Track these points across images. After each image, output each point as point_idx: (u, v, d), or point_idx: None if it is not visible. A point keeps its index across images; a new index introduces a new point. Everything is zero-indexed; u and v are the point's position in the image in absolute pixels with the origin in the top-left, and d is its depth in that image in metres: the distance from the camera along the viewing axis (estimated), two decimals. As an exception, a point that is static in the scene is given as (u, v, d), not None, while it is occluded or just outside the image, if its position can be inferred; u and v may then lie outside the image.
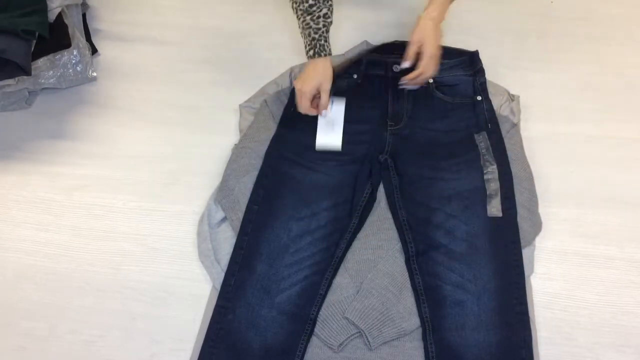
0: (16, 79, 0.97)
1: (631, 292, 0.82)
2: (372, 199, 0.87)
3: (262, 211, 0.84)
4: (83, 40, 1.06)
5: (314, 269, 0.80)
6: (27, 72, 0.93)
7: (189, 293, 0.83)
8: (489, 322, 0.76)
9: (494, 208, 0.82)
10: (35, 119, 1.03)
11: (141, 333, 0.80)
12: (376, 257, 0.83)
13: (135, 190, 0.94)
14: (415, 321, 0.78)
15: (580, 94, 1.03)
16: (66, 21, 1.01)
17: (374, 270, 0.81)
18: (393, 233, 0.85)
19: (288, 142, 0.90)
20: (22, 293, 0.84)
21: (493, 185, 0.84)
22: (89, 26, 1.15)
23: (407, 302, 0.79)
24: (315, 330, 0.77)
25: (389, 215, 0.86)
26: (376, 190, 0.88)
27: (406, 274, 0.81)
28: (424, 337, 0.77)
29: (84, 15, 1.12)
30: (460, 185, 0.85)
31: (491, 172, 0.85)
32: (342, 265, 0.82)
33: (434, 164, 0.88)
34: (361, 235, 0.85)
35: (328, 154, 0.89)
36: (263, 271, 0.80)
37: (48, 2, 0.99)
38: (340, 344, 0.76)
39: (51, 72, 1.01)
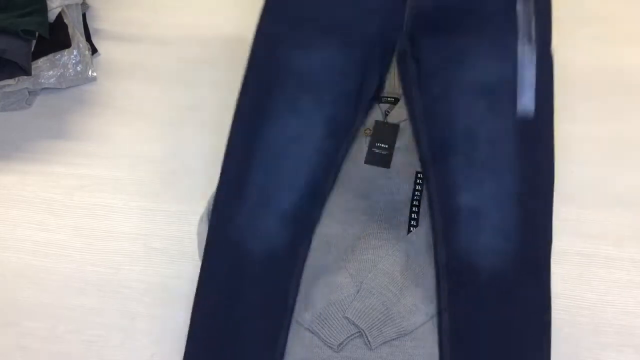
0: (16, 79, 0.97)
1: (631, 292, 0.82)
2: (380, 89, 0.76)
3: (255, 107, 0.76)
4: (83, 40, 1.06)
5: (314, 174, 0.75)
6: (27, 72, 0.94)
7: (189, 293, 0.83)
8: (505, 232, 0.70)
9: (526, 105, 0.72)
10: (35, 119, 1.03)
11: (141, 333, 0.80)
12: (376, 257, 0.83)
13: (135, 190, 0.94)
14: (415, 320, 0.78)
15: (580, 94, 1.03)
16: (66, 21, 1.01)
17: (374, 270, 0.81)
18: (393, 233, 0.85)
19: (285, 14, 0.77)
20: (22, 293, 0.84)
21: (528, 75, 0.72)
22: (89, 26, 1.15)
23: (407, 302, 0.79)
24: (315, 329, 0.77)
25: (390, 215, 0.86)
26: (384, 78, 0.76)
27: (406, 274, 0.81)
28: (435, 247, 0.73)
29: (84, 15, 1.12)
30: (487, 74, 0.73)
31: (528, 54, 0.72)
32: (342, 265, 0.82)
33: (459, 45, 0.74)
34: (362, 235, 0.85)
35: (333, 31, 0.76)
36: (259, 177, 0.74)
37: (48, 2, 0.99)
38: (340, 344, 0.76)
39: (51, 72, 1.01)
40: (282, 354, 0.72)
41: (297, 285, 0.74)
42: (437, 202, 0.73)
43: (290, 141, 0.75)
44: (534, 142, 0.72)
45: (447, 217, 0.73)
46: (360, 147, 0.93)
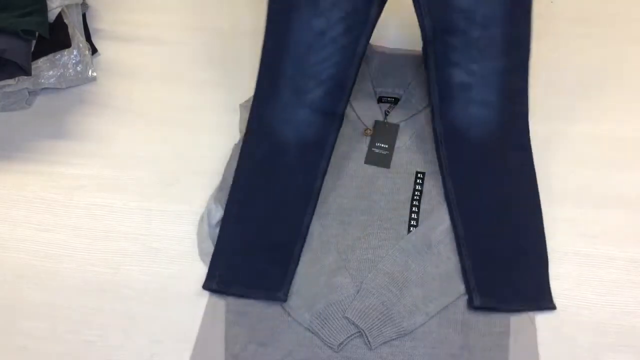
0: (16, 79, 0.97)
1: (631, 292, 0.82)
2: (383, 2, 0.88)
3: (283, 11, 0.88)
4: (83, 40, 1.06)
5: (337, 67, 0.87)
6: (27, 72, 0.93)
7: (189, 293, 0.83)
8: (491, 102, 0.87)
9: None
10: (35, 119, 1.03)
11: (141, 333, 0.80)
12: (376, 257, 0.83)
13: (135, 190, 0.94)
14: (415, 320, 0.78)
15: (580, 94, 1.03)
16: (66, 21, 1.01)
17: (374, 270, 0.81)
18: (393, 233, 0.85)
19: None
20: (22, 293, 0.84)
21: None
22: (89, 26, 1.15)
23: (407, 302, 0.79)
24: (315, 329, 0.77)
25: (390, 215, 0.86)
26: None
27: (406, 274, 0.81)
28: (433, 121, 0.89)
29: (84, 15, 1.12)
30: None
31: None
32: (342, 265, 0.82)
33: None
34: (362, 234, 0.85)
35: None
36: (291, 72, 0.88)
37: (48, 2, 0.99)
38: (340, 344, 0.76)
39: (51, 72, 1.01)
40: (307, 229, 0.84)
41: (325, 170, 0.87)
42: (434, 77, 0.88)
43: (314, 38, 0.87)
44: (518, 26, 0.87)
45: (442, 92, 0.88)
46: (360, 147, 0.93)
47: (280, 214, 0.85)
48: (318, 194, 0.86)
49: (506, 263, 0.82)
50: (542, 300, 0.80)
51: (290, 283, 0.81)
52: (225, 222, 0.85)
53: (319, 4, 0.85)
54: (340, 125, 0.89)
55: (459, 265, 0.82)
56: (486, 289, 0.79)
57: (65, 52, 1.01)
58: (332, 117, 0.89)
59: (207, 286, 0.82)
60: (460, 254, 0.82)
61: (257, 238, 0.84)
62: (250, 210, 0.85)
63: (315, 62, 0.87)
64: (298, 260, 0.83)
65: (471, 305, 0.79)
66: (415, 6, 0.86)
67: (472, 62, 0.86)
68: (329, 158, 0.88)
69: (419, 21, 0.86)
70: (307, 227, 0.84)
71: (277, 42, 0.88)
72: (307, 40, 0.87)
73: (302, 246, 0.83)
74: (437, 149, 0.90)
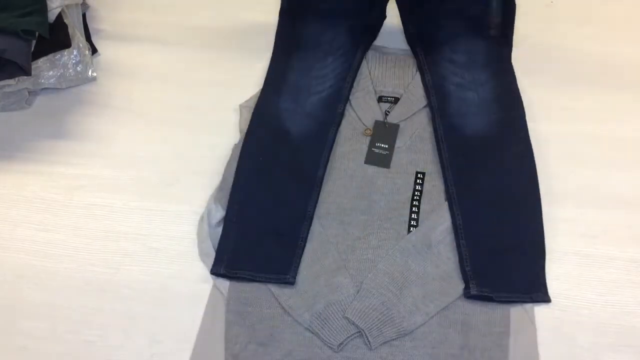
0: (16, 79, 0.97)
1: (631, 292, 0.82)
2: (382, 17, 1.06)
3: (292, 37, 1.04)
4: (83, 40, 1.06)
5: (337, 77, 0.99)
6: (27, 72, 0.93)
7: (189, 293, 0.83)
8: (486, 107, 0.95)
9: (494, 31, 1.02)
10: (35, 119, 1.03)
11: (141, 333, 0.80)
12: (376, 256, 0.83)
13: (135, 190, 0.94)
14: (415, 320, 0.78)
15: (580, 94, 1.03)
16: (66, 21, 1.01)
17: (374, 270, 0.81)
18: (393, 233, 0.85)
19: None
20: (22, 293, 0.84)
21: (496, 7, 1.01)
22: (89, 26, 1.14)
23: (407, 302, 0.79)
24: (315, 329, 0.77)
25: (390, 215, 0.87)
26: (385, 8, 1.06)
27: (406, 274, 0.81)
28: (434, 121, 0.94)
29: (84, 15, 1.12)
30: (466, 5, 1.02)
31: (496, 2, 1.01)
32: (342, 265, 0.82)
33: None
34: (362, 235, 0.85)
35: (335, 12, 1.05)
36: (296, 80, 1.00)
37: (48, 2, 0.99)
38: (340, 344, 0.76)
39: (51, 72, 1.01)
40: (312, 214, 0.86)
41: (327, 160, 0.91)
42: (431, 87, 0.98)
43: (312, 79, 1.00)
44: (500, 52, 1.02)
45: (440, 99, 0.96)
46: (360, 147, 0.93)
47: (285, 200, 0.87)
48: (321, 182, 0.89)
49: (504, 254, 0.83)
50: (538, 292, 0.81)
51: (298, 266, 0.82)
52: (230, 209, 0.86)
53: (321, 38, 1.03)
54: (340, 119, 0.95)
55: (458, 265, 0.82)
56: (483, 278, 0.80)
57: (65, 52, 1.01)
58: (332, 116, 0.95)
59: (214, 271, 0.82)
60: (458, 245, 0.83)
61: (263, 223, 0.85)
62: (255, 197, 0.87)
63: (317, 76, 1.00)
64: (305, 243, 0.84)
65: (467, 294, 0.79)
66: (407, 39, 1.05)
67: (462, 77, 0.99)
68: (330, 149, 0.92)
69: (411, 48, 1.04)
70: (312, 212, 0.86)
71: (285, 58, 1.02)
72: (311, 62, 1.00)
73: (308, 229, 0.84)
74: (438, 146, 0.92)
